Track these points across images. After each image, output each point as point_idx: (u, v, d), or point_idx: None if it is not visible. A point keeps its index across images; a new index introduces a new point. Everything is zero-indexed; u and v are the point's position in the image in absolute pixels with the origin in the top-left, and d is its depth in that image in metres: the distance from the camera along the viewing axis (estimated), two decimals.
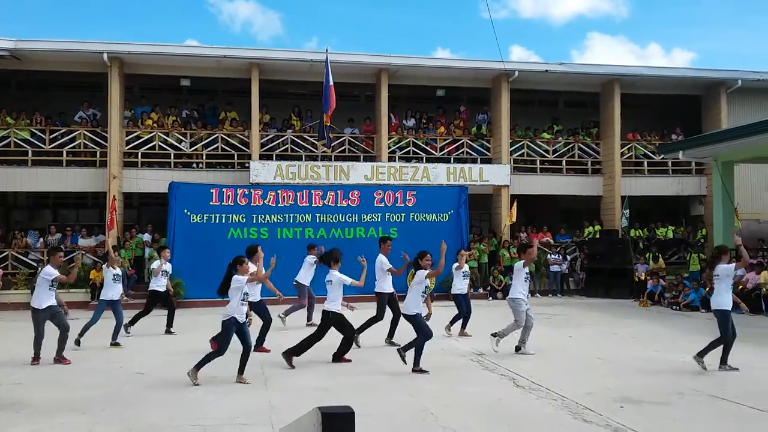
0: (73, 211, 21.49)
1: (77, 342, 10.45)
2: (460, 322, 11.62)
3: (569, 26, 70.56)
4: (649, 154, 21.72)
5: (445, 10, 71.34)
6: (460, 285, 11.59)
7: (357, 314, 9.88)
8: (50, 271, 9.40)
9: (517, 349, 9.88)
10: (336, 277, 9.25)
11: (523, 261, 10.16)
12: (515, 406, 7.07)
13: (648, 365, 9.08)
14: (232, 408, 6.92)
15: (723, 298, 8.78)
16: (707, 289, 15.72)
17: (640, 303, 16.98)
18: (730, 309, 8.75)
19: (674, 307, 15.99)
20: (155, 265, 12.32)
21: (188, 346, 10.80)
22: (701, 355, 8.66)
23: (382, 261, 10.70)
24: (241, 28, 66.23)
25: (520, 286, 9.98)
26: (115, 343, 10.64)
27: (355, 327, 9.72)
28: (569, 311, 15.59)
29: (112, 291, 10.87)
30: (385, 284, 10.68)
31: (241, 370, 8.06)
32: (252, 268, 8.94)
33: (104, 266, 11.14)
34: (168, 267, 12.30)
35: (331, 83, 17.27)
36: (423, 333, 8.67)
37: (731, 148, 16.65)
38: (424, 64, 20.29)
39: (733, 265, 9.07)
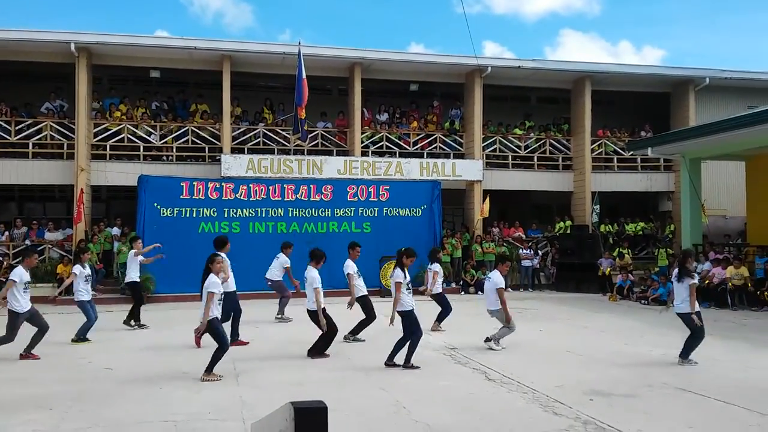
0: (40, 205, 21.05)
1: (81, 340, 10.31)
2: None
3: (542, 23, 71.20)
4: (619, 150, 22.01)
5: (419, 5, 71.48)
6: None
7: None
8: (21, 274, 9.03)
9: (487, 339, 9.86)
10: (310, 275, 9.16)
11: (498, 272, 9.96)
12: (487, 399, 7.11)
13: (617, 358, 9.20)
14: (203, 403, 6.84)
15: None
16: None
17: (609, 297, 17.21)
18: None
19: (643, 301, 16.24)
20: (132, 254, 12.20)
21: (158, 341, 10.68)
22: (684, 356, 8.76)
23: (348, 266, 10.45)
24: (212, 19, 65.56)
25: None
26: (82, 339, 10.36)
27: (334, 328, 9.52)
28: (540, 305, 15.74)
29: (88, 291, 10.59)
30: (362, 286, 10.52)
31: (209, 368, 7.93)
32: (227, 262, 8.84)
33: (76, 267, 10.70)
34: (140, 258, 12.23)
35: (304, 77, 17.16)
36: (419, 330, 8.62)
37: (699, 145, 16.94)
38: (397, 59, 20.27)
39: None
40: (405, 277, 8.66)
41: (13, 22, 60.83)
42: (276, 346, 10.04)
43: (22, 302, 8.99)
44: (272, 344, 10.26)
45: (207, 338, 8.16)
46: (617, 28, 70.79)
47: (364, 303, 10.33)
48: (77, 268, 10.61)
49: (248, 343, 10.06)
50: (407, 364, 8.44)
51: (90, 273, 10.91)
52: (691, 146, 17.27)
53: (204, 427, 6.10)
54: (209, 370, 7.84)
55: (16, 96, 19.21)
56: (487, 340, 9.87)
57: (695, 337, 8.77)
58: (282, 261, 12.70)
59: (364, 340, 10.37)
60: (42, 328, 9.20)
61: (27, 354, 9.11)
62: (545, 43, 71.40)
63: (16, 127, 18.14)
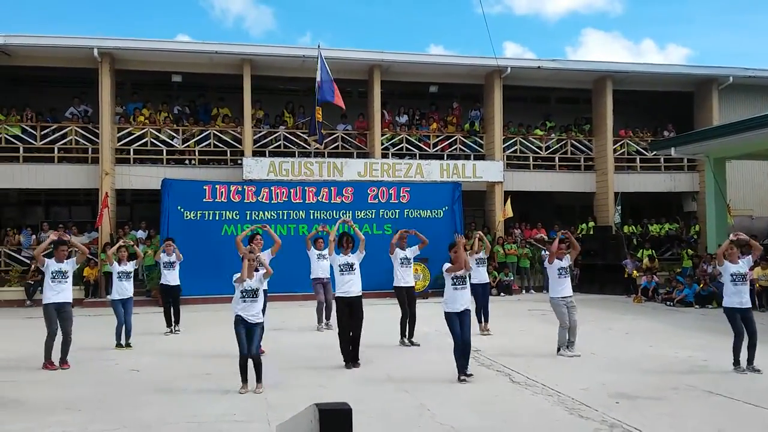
0: (65, 208, 21.34)
1: (119, 345, 10.29)
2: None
3: (563, 22, 70.72)
4: (642, 150, 21.79)
5: (439, 7, 71.41)
6: (476, 274, 11.19)
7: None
8: (48, 263, 9.04)
9: (558, 350, 9.54)
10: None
11: (547, 258, 9.85)
12: (512, 401, 7.08)
13: (642, 361, 9.10)
14: (229, 405, 6.89)
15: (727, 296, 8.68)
16: (701, 285, 15.83)
17: (633, 299, 17.04)
18: (732, 306, 8.55)
19: (668, 303, 16.05)
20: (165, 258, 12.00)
21: (184, 343, 10.78)
22: (737, 363, 8.38)
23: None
24: (233, 23, 66.08)
25: (554, 284, 9.73)
26: (127, 344, 10.38)
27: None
28: None
29: (122, 289, 10.53)
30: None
31: (257, 379, 7.53)
32: (265, 256, 8.79)
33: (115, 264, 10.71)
34: (170, 258, 11.94)
35: (332, 77, 16.97)
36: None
37: (723, 144, 16.73)
38: (416, 60, 20.28)
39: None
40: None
41: (37, 27, 61.88)
42: (298, 349, 10.07)
43: (48, 293, 9.07)
44: (295, 347, 10.29)
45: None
46: (640, 27, 70.10)
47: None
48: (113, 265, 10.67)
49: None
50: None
51: (126, 270, 10.65)
52: (715, 146, 17.06)
53: (229, 429, 6.14)
54: (259, 378, 7.54)
55: (41, 101, 19.49)
56: (558, 350, 9.53)
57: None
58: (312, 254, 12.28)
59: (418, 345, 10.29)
60: (56, 333, 9.03)
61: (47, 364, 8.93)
62: (567, 43, 70.97)
63: (42, 132, 18.41)
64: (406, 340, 10.41)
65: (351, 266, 8.88)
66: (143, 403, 7.04)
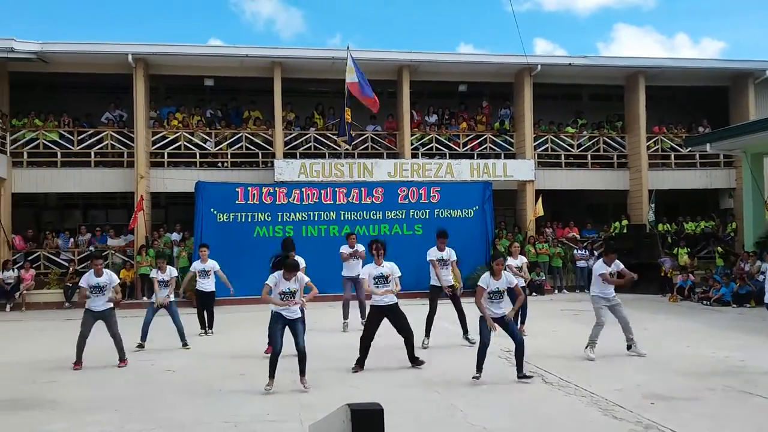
0: (102, 212, 21.80)
1: (141, 345, 10.46)
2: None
3: (594, 18, 69.83)
4: (676, 147, 21.41)
5: (468, 5, 71.05)
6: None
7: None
8: (87, 278, 9.31)
9: (628, 347, 9.48)
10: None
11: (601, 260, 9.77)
12: (544, 402, 7.03)
13: (678, 361, 8.97)
14: (262, 406, 6.98)
15: None
16: (738, 283, 15.51)
17: (669, 298, 16.78)
18: None
19: (705, 302, 15.76)
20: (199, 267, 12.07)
21: (217, 344, 10.93)
22: None
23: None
24: (264, 26, 66.66)
25: (596, 282, 9.62)
26: (183, 344, 10.58)
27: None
28: None
29: (159, 295, 10.70)
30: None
31: (301, 372, 7.66)
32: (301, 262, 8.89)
33: (153, 271, 10.98)
34: (205, 266, 12.01)
35: (357, 80, 17.00)
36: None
37: (760, 139, 16.35)
38: (445, 60, 20.24)
39: None
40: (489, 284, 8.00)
41: (71, 32, 63.15)
42: (330, 350, 10.13)
43: (88, 302, 9.30)
44: (326, 347, 10.34)
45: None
46: (673, 21, 68.80)
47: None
48: (153, 272, 10.95)
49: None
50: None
51: (163, 279, 10.75)
52: (752, 141, 16.68)
53: (263, 428, 6.22)
54: (303, 372, 7.67)
55: (77, 107, 19.93)
56: (586, 347, 9.42)
57: None
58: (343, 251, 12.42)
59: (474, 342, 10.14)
60: (87, 333, 9.26)
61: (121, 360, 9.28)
62: (598, 39, 70.10)
63: (79, 137, 18.83)
64: (427, 341, 10.34)
65: (385, 278, 8.83)
66: (178, 403, 7.17)
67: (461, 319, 10.39)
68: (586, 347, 9.37)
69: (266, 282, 7.74)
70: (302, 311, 7.97)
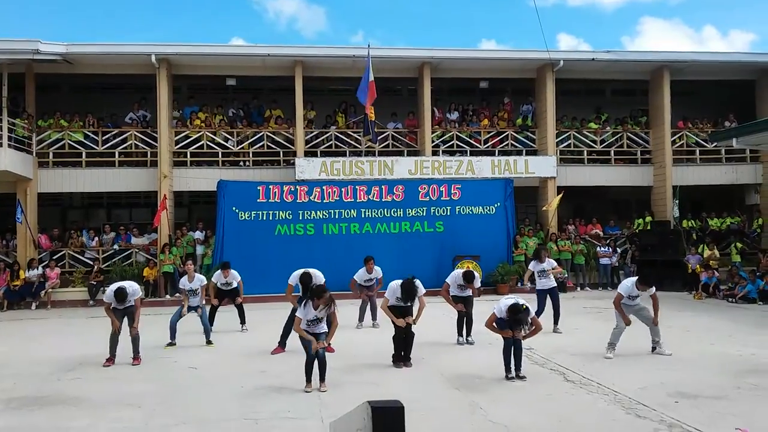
0: (126, 210, 22.06)
1: (172, 344, 10.58)
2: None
3: (620, 12, 69.05)
4: (702, 142, 21.09)
5: (491, 1, 70.66)
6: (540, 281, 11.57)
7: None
8: (184, 282, 10.78)
9: (653, 349, 9.39)
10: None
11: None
12: (566, 400, 6.98)
13: (703, 359, 8.84)
14: (283, 403, 7.01)
15: None
16: (765, 280, 15.25)
17: (694, 295, 16.55)
18: None
19: (730, 299, 15.53)
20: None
21: (239, 342, 11.01)
22: None
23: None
24: (286, 24, 67.00)
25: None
26: (207, 342, 10.70)
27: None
28: None
29: (190, 302, 10.81)
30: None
31: (321, 377, 7.59)
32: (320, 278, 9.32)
33: (182, 280, 11.10)
34: (227, 279, 12.00)
35: (371, 79, 17.22)
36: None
37: None
38: (466, 56, 20.14)
39: None
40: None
41: (94, 31, 63.95)
42: (350, 347, 10.15)
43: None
44: (346, 345, 10.35)
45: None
46: (701, 13, 67.76)
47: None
48: (182, 281, 11.03)
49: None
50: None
51: (193, 288, 10.79)
52: None
53: (283, 425, 6.26)
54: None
55: (102, 107, 20.19)
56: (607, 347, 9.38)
57: None
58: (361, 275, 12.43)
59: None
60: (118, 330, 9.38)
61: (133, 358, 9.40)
62: (624, 33, 69.25)
63: (103, 137, 19.06)
64: (462, 339, 10.40)
65: (406, 309, 8.88)
66: (201, 399, 7.24)
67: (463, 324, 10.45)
68: (607, 349, 9.27)
69: (297, 314, 7.70)
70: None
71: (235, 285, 12.07)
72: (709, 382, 7.55)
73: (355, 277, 12.29)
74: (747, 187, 21.78)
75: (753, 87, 21.66)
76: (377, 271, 12.28)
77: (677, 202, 19.19)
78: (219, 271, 12.23)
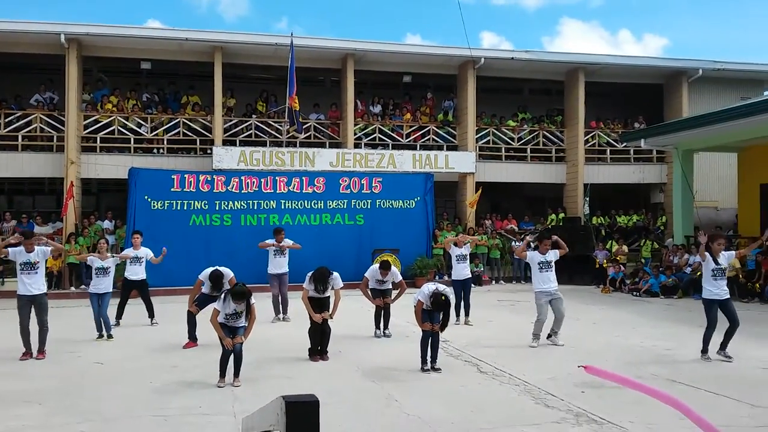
0: (29, 198, 20.89)
1: (101, 336, 10.19)
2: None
3: (541, 11, 71.04)
4: (612, 142, 22.03)
5: None
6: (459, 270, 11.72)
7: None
8: (15, 252, 8.86)
9: (548, 336, 9.68)
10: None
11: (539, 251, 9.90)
12: (478, 391, 7.11)
13: (609, 351, 9.22)
14: (194, 398, 6.80)
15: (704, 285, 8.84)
16: (667, 275, 16.09)
17: (602, 289, 17.26)
18: (707, 297, 8.74)
19: (635, 293, 16.29)
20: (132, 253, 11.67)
21: (149, 336, 10.63)
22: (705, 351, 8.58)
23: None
24: (206, 8, 65.17)
25: (536, 278, 9.80)
26: (108, 335, 10.26)
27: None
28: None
29: (99, 284, 10.33)
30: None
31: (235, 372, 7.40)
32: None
33: (92, 256, 10.57)
34: (137, 253, 11.64)
35: (296, 67, 17.05)
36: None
37: (692, 136, 16.98)
38: (390, 50, 20.18)
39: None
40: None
41: (2, 11, 60.13)
42: (264, 341, 9.98)
43: (19, 285, 8.87)
44: (260, 339, 10.19)
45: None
46: (618, 16, 70.49)
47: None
48: (90, 259, 10.52)
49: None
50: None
51: (103, 266, 10.37)
52: (684, 138, 17.30)
53: (195, 422, 6.06)
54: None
55: (5, 88, 19.05)
56: (548, 337, 9.67)
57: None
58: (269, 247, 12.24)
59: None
60: (27, 325, 8.89)
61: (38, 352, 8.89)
62: (544, 33, 71.31)
63: (5, 120, 17.99)
64: (379, 332, 10.41)
65: (323, 302, 8.81)
66: (107, 396, 6.92)
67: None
68: (532, 340, 9.57)
69: (215, 307, 7.46)
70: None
71: (143, 276, 11.65)
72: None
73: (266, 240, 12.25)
74: (653, 186, 22.93)
75: (662, 90, 22.77)
76: (287, 242, 12.26)
77: (587, 199, 19.98)
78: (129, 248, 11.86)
